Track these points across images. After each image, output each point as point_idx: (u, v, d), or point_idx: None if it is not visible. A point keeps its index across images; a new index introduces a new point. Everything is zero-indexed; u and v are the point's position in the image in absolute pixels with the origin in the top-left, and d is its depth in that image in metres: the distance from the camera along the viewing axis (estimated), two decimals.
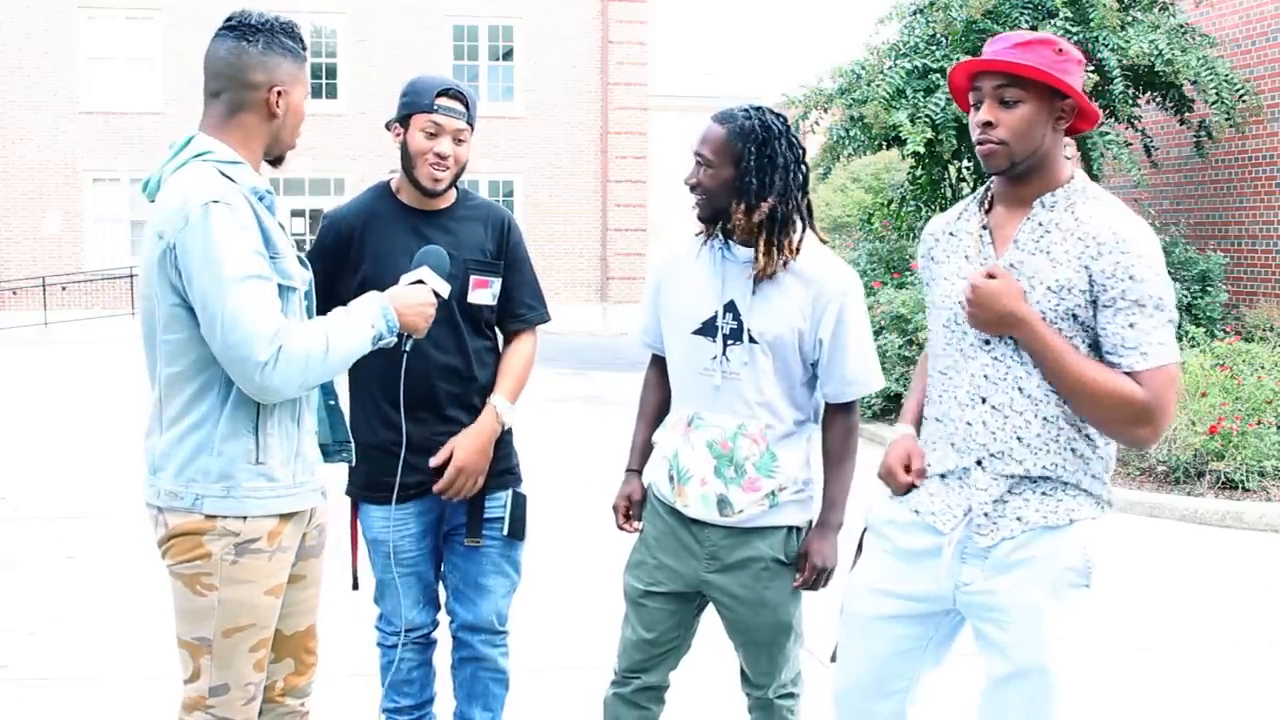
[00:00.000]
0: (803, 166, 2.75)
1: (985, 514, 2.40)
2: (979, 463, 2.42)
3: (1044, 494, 2.38)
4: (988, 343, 2.40)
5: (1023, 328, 2.32)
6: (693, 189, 2.76)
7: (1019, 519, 2.38)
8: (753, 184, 2.68)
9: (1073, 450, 2.37)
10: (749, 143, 2.68)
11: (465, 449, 3.10)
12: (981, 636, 2.46)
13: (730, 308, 2.76)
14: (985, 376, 2.40)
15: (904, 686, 2.58)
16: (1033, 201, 2.38)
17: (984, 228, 2.44)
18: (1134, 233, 2.30)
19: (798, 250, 2.74)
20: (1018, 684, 2.38)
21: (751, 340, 2.73)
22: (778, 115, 2.75)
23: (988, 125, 2.33)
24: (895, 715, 2.60)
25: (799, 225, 2.76)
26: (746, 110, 2.73)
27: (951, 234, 2.52)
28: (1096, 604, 2.40)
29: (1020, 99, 2.31)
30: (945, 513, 2.46)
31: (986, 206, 2.47)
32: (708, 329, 2.77)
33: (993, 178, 2.46)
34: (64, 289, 22.82)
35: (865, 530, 2.67)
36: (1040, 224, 2.36)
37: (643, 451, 3.01)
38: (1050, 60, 2.30)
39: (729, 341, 2.75)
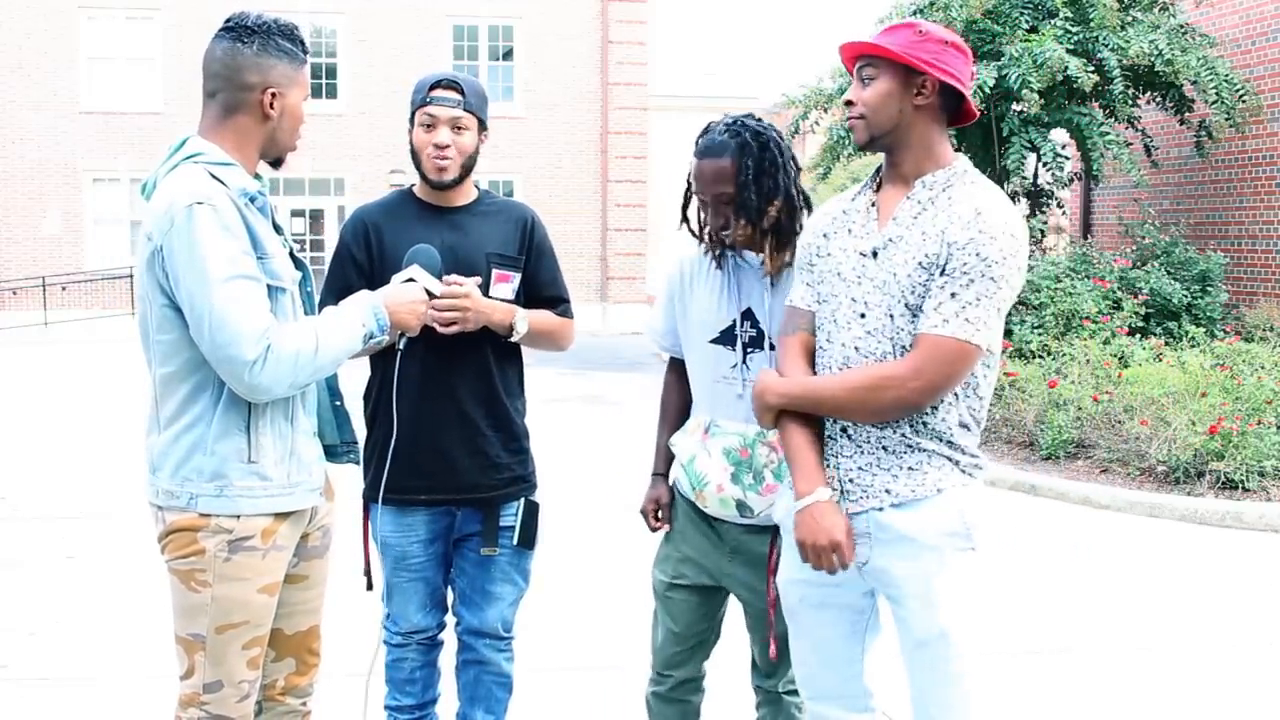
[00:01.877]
0: (793, 157, 2.76)
1: (852, 479, 2.46)
2: (844, 430, 2.48)
3: (910, 469, 2.43)
4: (863, 316, 2.45)
5: (781, 405, 2.48)
6: (722, 229, 2.73)
7: (888, 491, 2.44)
8: (753, 199, 2.68)
9: (924, 423, 2.42)
10: (747, 157, 2.68)
11: (478, 298, 3.00)
12: (889, 609, 2.55)
13: (748, 315, 2.76)
14: (856, 348, 2.46)
15: (857, 671, 2.64)
16: (914, 181, 2.46)
17: (872, 204, 2.52)
18: (995, 214, 2.35)
19: None
20: (923, 651, 2.46)
21: (772, 347, 2.73)
22: (752, 116, 2.75)
23: (848, 103, 2.47)
24: (860, 694, 2.65)
25: (806, 214, 2.77)
26: (726, 129, 2.71)
27: (844, 211, 2.58)
28: (982, 564, 2.46)
29: (874, 76, 2.44)
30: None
31: (876, 186, 2.55)
32: (726, 338, 2.78)
33: (882, 159, 2.56)
34: (64, 289, 22.82)
35: (778, 528, 2.71)
36: (919, 202, 2.44)
37: (667, 454, 3.00)
38: (905, 40, 2.40)
39: (749, 350, 2.75)
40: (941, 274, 2.35)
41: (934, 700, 2.46)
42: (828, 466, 2.50)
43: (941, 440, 2.43)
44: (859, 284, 2.46)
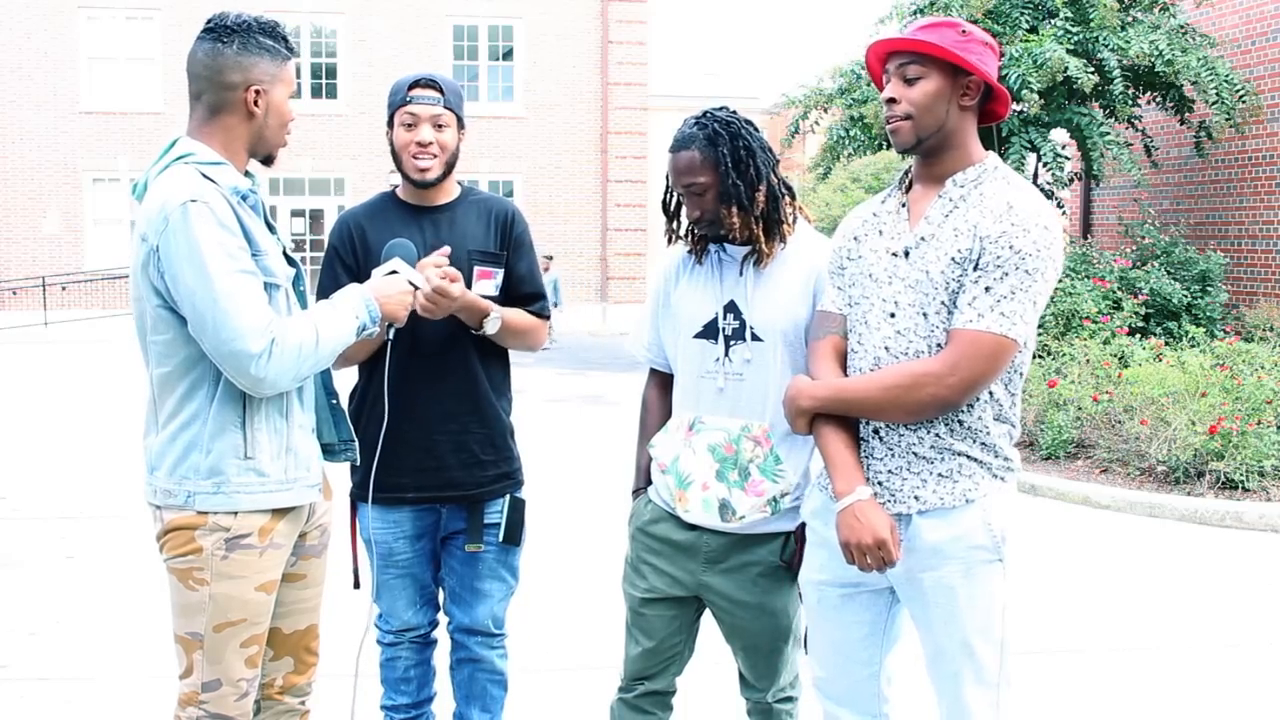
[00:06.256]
0: (768, 146, 2.76)
1: (880, 483, 2.44)
2: (876, 432, 2.46)
3: (940, 475, 2.40)
4: (893, 315, 2.44)
5: (814, 408, 2.44)
6: (697, 222, 2.74)
7: (916, 498, 2.42)
8: (739, 185, 2.68)
9: (960, 421, 2.40)
10: (720, 146, 2.67)
11: (461, 291, 2.98)
12: (912, 616, 2.53)
13: (731, 308, 2.75)
14: (886, 348, 2.44)
15: (874, 674, 2.62)
16: (945, 180, 2.44)
17: (902, 205, 2.50)
18: (1028, 207, 2.34)
19: (794, 225, 2.75)
20: (945, 661, 2.45)
21: (755, 338, 2.72)
22: (725, 109, 2.75)
23: (891, 101, 2.41)
24: (875, 699, 2.63)
25: (788, 202, 2.77)
26: (694, 121, 2.72)
27: (874, 214, 2.56)
28: (1012, 576, 2.44)
29: (922, 75, 2.38)
30: None
31: (906, 187, 2.54)
32: (709, 331, 2.77)
33: (912, 159, 2.52)
34: (64, 289, 22.84)
35: (803, 525, 2.69)
36: (950, 200, 2.42)
37: (647, 471, 2.95)
38: (952, 40, 2.37)
39: (731, 342, 2.74)
40: (975, 269, 2.33)
41: (956, 713, 2.45)
42: None
43: (976, 441, 2.40)
44: (890, 284, 2.44)
